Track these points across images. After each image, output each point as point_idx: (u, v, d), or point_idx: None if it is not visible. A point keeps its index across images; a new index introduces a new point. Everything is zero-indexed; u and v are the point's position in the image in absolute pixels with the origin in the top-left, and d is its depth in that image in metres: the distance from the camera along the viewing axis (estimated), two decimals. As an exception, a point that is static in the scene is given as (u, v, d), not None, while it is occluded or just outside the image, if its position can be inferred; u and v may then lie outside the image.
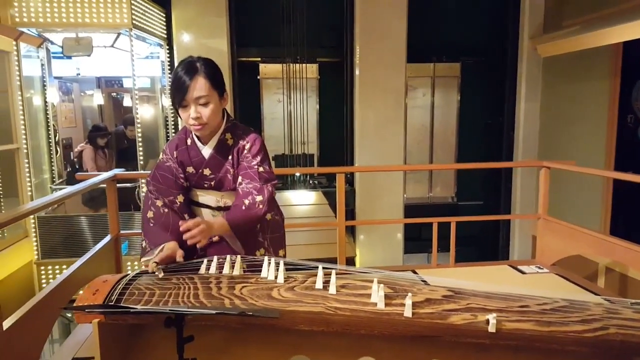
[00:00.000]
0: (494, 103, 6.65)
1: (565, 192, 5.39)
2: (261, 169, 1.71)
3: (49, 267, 5.06)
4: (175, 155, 1.79)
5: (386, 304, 1.31)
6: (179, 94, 1.61)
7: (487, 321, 1.28)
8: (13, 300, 1.76)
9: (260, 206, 1.63)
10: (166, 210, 1.77)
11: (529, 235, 6.42)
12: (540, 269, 3.03)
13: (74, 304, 1.37)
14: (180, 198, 1.80)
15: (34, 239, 5.04)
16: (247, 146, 1.75)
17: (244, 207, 1.61)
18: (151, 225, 1.74)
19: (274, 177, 1.74)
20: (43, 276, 5.05)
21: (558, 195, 5.07)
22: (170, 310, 1.14)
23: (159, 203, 1.78)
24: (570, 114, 5.63)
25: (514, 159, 6.39)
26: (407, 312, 1.28)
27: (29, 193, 5.05)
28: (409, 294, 1.30)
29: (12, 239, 4.97)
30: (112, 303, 1.33)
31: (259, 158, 1.73)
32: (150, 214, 1.76)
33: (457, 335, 1.30)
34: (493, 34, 6.59)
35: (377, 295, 1.32)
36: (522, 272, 2.96)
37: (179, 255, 1.61)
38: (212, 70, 1.65)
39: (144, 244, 1.74)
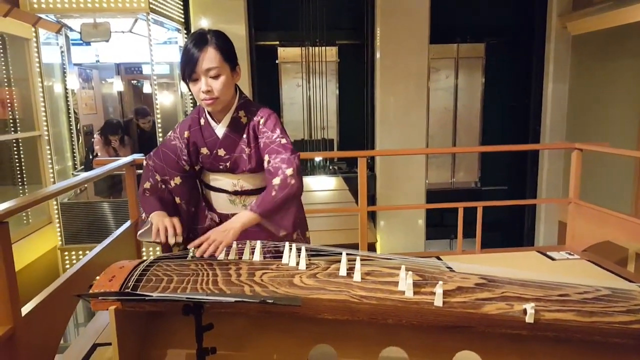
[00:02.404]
0: (520, 85, 6.45)
1: (593, 176, 5.20)
2: (283, 140, 1.62)
3: (73, 253, 5.12)
4: (186, 136, 1.72)
5: (415, 293, 1.24)
6: (189, 66, 1.54)
7: (525, 311, 1.19)
8: (39, 285, 1.75)
9: (292, 181, 1.51)
10: (163, 186, 1.72)
11: (555, 220, 6.25)
12: (571, 255, 2.92)
13: (90, 291, 1.33)
14: (177, 180, 1.73)
15: (58, 224, 5.10)
16: (262, 121, 1.66)
17: (274, 192, 1.49)
18: (147, 195, 1.69)
19: (295, 150, 1.66)
20: (67, 261, 5.12)
21: (585, 179, 4.91)
22: (187, 298, 1.09)
23: (157, 177, 1.73)
24: (601, 95, 5.40)
25: (541, 142, 6.20)
26: (438, 301, 1.20)
27: (52, 180, 5.10)
28: (440, 282, 1.22)
29: (37, 224, 5.04)
30: (129, 290, 1.28)
31: (278, 131, 1.64)
32: (147, 185, 1.71)
33: (492, 326, 1.22)
34: (519, 13, 6.36)
35: (405, 283, 1.24)
36: (552, 259, 2.86)
37: (178, 226, 1.55)
38: (223, 42, 1.58)
39: (143, 215, 1.69)
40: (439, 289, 1.21)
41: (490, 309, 1.21)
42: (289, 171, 1.52)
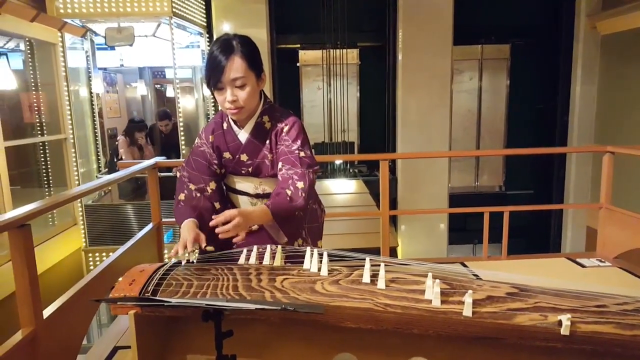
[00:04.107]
0: (546, 86, 6.30)
1: (624, 181, 5.03)
2: (302, 153, 1.59)
3: (97, 255, 5.18)
4: (210, 140, 1.70)
5: (442, 302, 1.18)
6: (215, 76, 1.52)
7: (560, 322, 1.13)
8: (63, 286, 1.77)
9: (303, 194, 1.51)
10: (198, 194, 1.70)
11: (582, 226, 6.07)
12: (602, 262, 2.80)
13: (111, 294, 1.32)
14: (212, 185, 1.71)
15: (82, 226, 5.17)
16: (285, 129, 1.63)
17: (288, 198, 1.48)
18: (180, 206, 1.67)
19: (315, 162, 1.62)
20: (91, 263, 5.18)
21: (616, 184, 4.76)
22: (207, 304, 1.06)
23: (192, 187, 1.71)
24: (632, 96, 5.23)
25: (568, 145, 6.04)
26: (467, 311, 1.15)
27: (77, 182, 5.18)
28: (469, 291, 1.16)
29: (62, 226, 5.13)
30: (149, 294, 1.27)
31: (299, 142, 1.60)
32: (181, 196, 1.69)
33: (524, 338, 1.16)
34: (546, 13, 6.22)
35: (432, 292, 1.19)
36: (582, 266, 2.75)
37: (201, 239, 1.49)
38: (249, 49, 1.54)
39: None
40: (468, 298, 1.15)
41: (523, 320, 1.15)
42: (300, 185, 1.52)
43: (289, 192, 1.50)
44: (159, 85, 7.89)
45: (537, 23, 6.30)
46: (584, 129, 5.98)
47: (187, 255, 1.45)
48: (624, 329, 1.14)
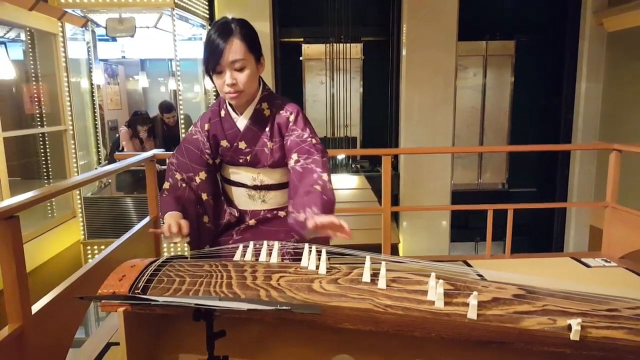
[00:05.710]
0: (551, 84, 6.24)
1: (629, 180, 4.97)
2: (314, 140, 1.56)
3: (95, 247, 5.15)
4: (206, 129, 1.66)
5: (446, 303, 1.13)
6: (213, 58, 1.47)
7: (569, 327, 1.07)
8: (61, 279, 1.75)
9: (331, 187, 1.44)
10: (184, 185, 1.66)
11: (585, 225, 6.02)
12: (607, 262, 2.76)
13: (100, 290, 1.27)
14: (202, 175, 1.67)
15: (81, 219, 5.13)
16: (292, 118, 1.60)
17: (325, 197, 1.39)
18: (164, 195, 1.63)
19: (325, 149, 1.58)
20: (89, 255, 5.15)
21: (620, 182, 4.71)
22: (196, 304, 1.01)
23: (177, 176, 1.67)
24: (637, 94, 5.17)
25: (572, 143, 5.99)
26: (472, 314, 1.09)
27: (76, 174, 5.14)
28: (474, 293, 1.10)
29: (61, 218, 5.10)
30: (139, 291, 1.22)
31: (308, 130, 1.57)
32: (166, 185, 1.65)
33: (531, 343, 1.10)
34: (551, 9, 6.16)
35: (435, 292, 1.13)
36: (587, 266, 2.71)
37: (184, 226, 1.45)
38: (248, 32, 1.50)
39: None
40: (473, 300, 1.10)
41: (531, 324, 1.09)
42: (325, 176, 1.46)
43: (318, 188, 1.41)
44: (160, 78, 7.83)
45: (542, 19, 6.23)
46: (588, 126, 5.93)
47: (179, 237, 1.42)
48: (637, 335, 1.08)
